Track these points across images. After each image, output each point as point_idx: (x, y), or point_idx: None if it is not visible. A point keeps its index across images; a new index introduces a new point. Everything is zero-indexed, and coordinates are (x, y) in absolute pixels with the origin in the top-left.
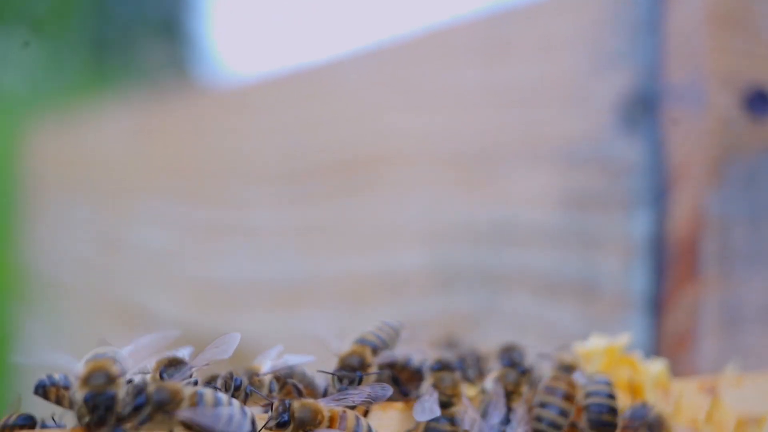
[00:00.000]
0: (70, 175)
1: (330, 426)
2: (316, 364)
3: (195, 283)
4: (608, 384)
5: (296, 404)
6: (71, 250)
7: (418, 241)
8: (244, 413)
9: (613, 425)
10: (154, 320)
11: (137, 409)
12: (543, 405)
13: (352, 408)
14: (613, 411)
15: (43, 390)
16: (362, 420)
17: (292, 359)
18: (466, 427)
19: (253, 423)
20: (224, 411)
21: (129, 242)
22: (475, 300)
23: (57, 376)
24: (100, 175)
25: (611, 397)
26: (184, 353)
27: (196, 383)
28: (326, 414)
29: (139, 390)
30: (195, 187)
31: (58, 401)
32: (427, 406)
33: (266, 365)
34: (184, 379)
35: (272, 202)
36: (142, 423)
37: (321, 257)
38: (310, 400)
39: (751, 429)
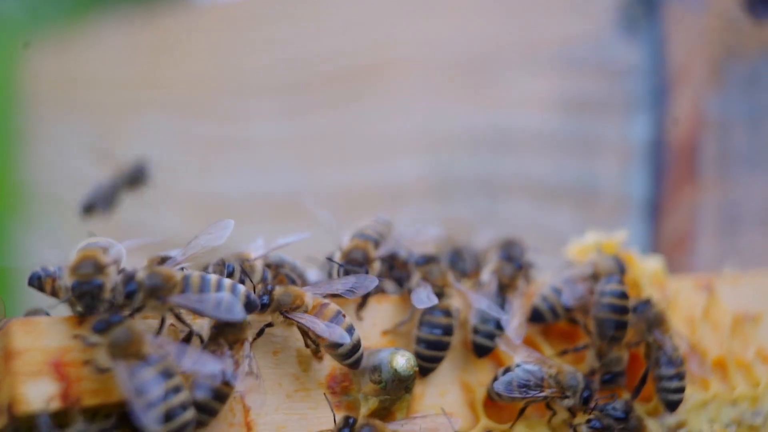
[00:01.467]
0: (69, 94)
1: (308, 312)
2: (308, 246)
3: (194, 197)
4: (620, 282)
5: (279, 289)
6: (70, 168)
7: (417, 150)
8: (235, 293)
9: (623, 324)
10: (153, 235)
11: (129, 296)
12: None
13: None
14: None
15: (38, 281)
16: (342, 314)
17: (284, 240)
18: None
19: (249, 301)
20: (212, 295)
21: (127, 157)
22: (474, 207)
23: (52, 268)
24: (99, 93)
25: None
26: (175, 253)
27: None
28: (308, 301)
29: (130, 277)
30: (193, 102)
31: (54, 293)
32: (425, 295)
33: (257, 250)
34: (175, 266)
35: (271, 114)
36: (136, 310)
37: (320, 169)
38: (294, 287)
39: (748, 327)
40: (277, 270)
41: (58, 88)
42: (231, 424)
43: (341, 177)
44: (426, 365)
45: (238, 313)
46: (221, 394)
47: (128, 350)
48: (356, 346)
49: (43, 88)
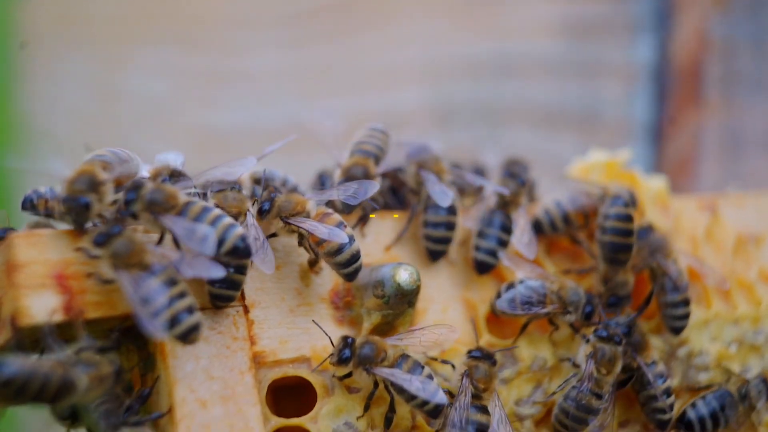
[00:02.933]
0: (67, 27)
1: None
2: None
3: (195, 130)
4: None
5: (282, 197)
6: (69, 102)
7: (419, 79)
8: (227, 234)
9: (628, 247)
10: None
11: (127, 203)
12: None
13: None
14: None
15: (30, 203)
16: (344, 224)
17: (271, 147)
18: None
19: (237, 247)
20: (201, 227)
21: (127, 92)
22: (475, 135)
23: (43, 189)
24: (97, 27)
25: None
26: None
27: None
28: (309, 208)
29: (135, 186)
30: (193, 35)
31: (48, 213)
32: (440, 190)
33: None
34: (184, 189)
35: (271, 46)
36: (128, 215)
37: (321, 99)
38: (297, 194)
39: (751, 247)
40: (267, 185)
41: (58, 23)
42: (235, 337)
43: (343, 107)
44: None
45: (209, 249)
46: (234, 281)
47: (131, 260)
48: (355, 256)
49: (42, 24)
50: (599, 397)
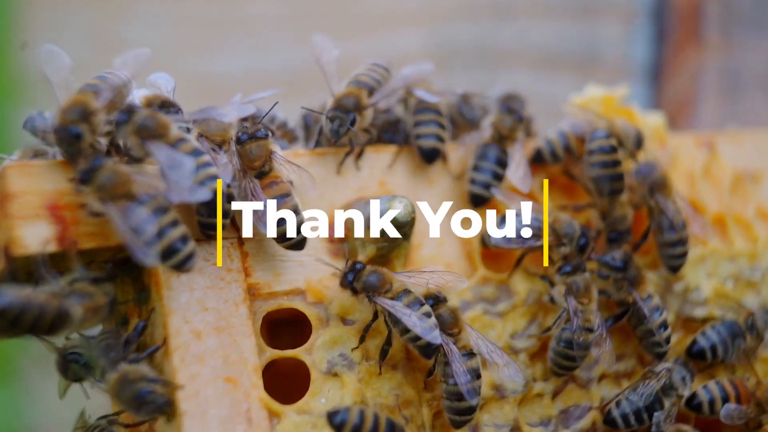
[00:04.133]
0: None
1: (261, 181)
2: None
3: (195, 78)
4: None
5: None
6: (69, 52)
7: (417, 21)
8: (205, 181)
9: (618, 176)
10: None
11: (117, 124)
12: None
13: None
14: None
15: (32, 126)
16: (288, 198)
17: (257, 95)
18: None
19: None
20: (183, 158)
21: (126, 41)
22: (474, 78)
23: (48, 114)
24: None
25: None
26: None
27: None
28: (270, 165)
29: (130, 110)
30: None
31: (45, 139)
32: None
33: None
34: (177, 122)
35: None
36: (117, 126)
37: None
38: (267, 141)
39: (748, 184)
40: (255, 121)
41: None
42: (229, 269)
43: (342, 51)
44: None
45: (187, 179)
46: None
47: (117, 192)
48: (300, 243)
49: None
50: (590, 330)
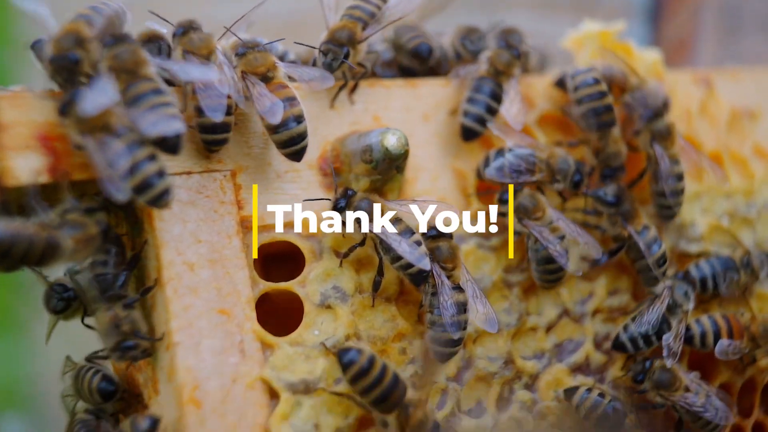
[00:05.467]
0: None
1: (268, 85)
2: None
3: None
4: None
5: (253, 53)
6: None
7: None
8: (169, 122)
9: (607, 108)
10: None
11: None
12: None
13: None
14: (607, 109)
15: (38, 50)
16: (293, 102)
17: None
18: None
19: (173, 137)
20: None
21: None
22: (475, 20)
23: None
24: None
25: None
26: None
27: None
28: (276, 73)
29: (116, 39)
30: None
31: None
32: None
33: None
34: (155, 63)
35: None
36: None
37: None
38: (268, 55)
39: (745, 122)
40: (248, 49)
41: None
42: (222, 201)
43: None
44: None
45: (173, 130)
46: (225, 123)
47: (94, 123)
48: (294, 139)
49: None
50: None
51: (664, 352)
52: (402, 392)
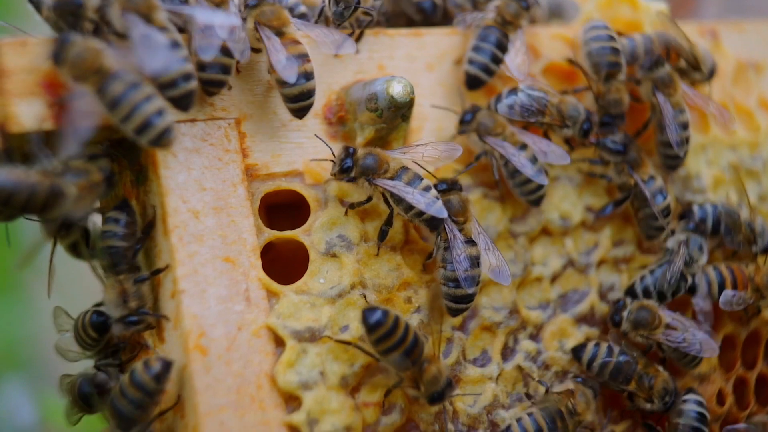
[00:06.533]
0: None
1: (282, 38)
2: None
3: None
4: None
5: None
6: None
7: None
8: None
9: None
10: None
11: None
12: None
13: None
14: (615, 51)
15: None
16: (307, 58)
17: None
18: None
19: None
20: (158, 36)
21: None
22: None
23: None
24: None
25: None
26: None
27: None
28: (286, 28)
29: None
30: None
31: (47, 19)
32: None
33: None
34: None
35: None
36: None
37: None
38: (280, 7)
39: (751, 74)
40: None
41: None
42: (227, 149)
43: None
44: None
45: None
46: (224, 64)
47: (87, 68)
48: (304, 95)
49: None
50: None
51: (699, 317)
52: (421, 350)
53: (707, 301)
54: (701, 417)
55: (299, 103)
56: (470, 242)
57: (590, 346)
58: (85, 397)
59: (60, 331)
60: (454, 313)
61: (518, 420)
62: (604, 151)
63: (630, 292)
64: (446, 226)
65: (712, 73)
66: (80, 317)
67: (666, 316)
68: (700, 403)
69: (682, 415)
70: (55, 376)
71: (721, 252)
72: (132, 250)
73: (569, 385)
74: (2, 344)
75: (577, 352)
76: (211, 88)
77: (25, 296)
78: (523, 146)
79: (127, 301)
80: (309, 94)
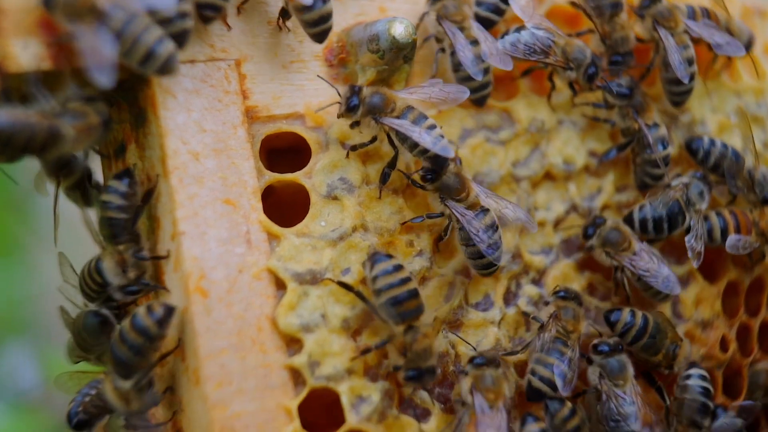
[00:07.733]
0: None
1: None
2: None
3: None
4: None
5: None
6: None
7: None
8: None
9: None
10: None
11: None
12: None
13: None
14: None
15: None
16: None
17: None
18: None
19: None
20: None
21: None
22: None
23: None
24: None
25: None
26: None
27: None
28: None
29: None
30: None
31: None
32: None
33: None
34: None
35: None
36: None
37: None
38: None
39: (757, 20)
40: None
41: None
42: (227, 91)
43: None
44: None
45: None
46: None
47: (81, 6)
48: (324, 18)
49: None
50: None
51: (689, 254)
52: (418, 308)
53: (699, 242)
54: (706, 391)
55: (319, 26)
56: (481, 212)
57: (625, 313)
58: (91, 329)
59: (65, 281)
60: (488, 275)
61: (533, 373)
62: (609, 94)
63: (627, 219)
64: (453, 211)
65: (749, 46)
66: (87, 265)
67: (637, 245)
68: (704, 378)
69: (687, 391)
70: (57, 337)
71: (723, 199)
72: (132, 221)
73: (550, 308)
74: (3, 306)
75: (610, 321)
76: (207, 12)
77: (25, 258)
78: (475, 41)
79: (126, 271)
80: (328, 17)
